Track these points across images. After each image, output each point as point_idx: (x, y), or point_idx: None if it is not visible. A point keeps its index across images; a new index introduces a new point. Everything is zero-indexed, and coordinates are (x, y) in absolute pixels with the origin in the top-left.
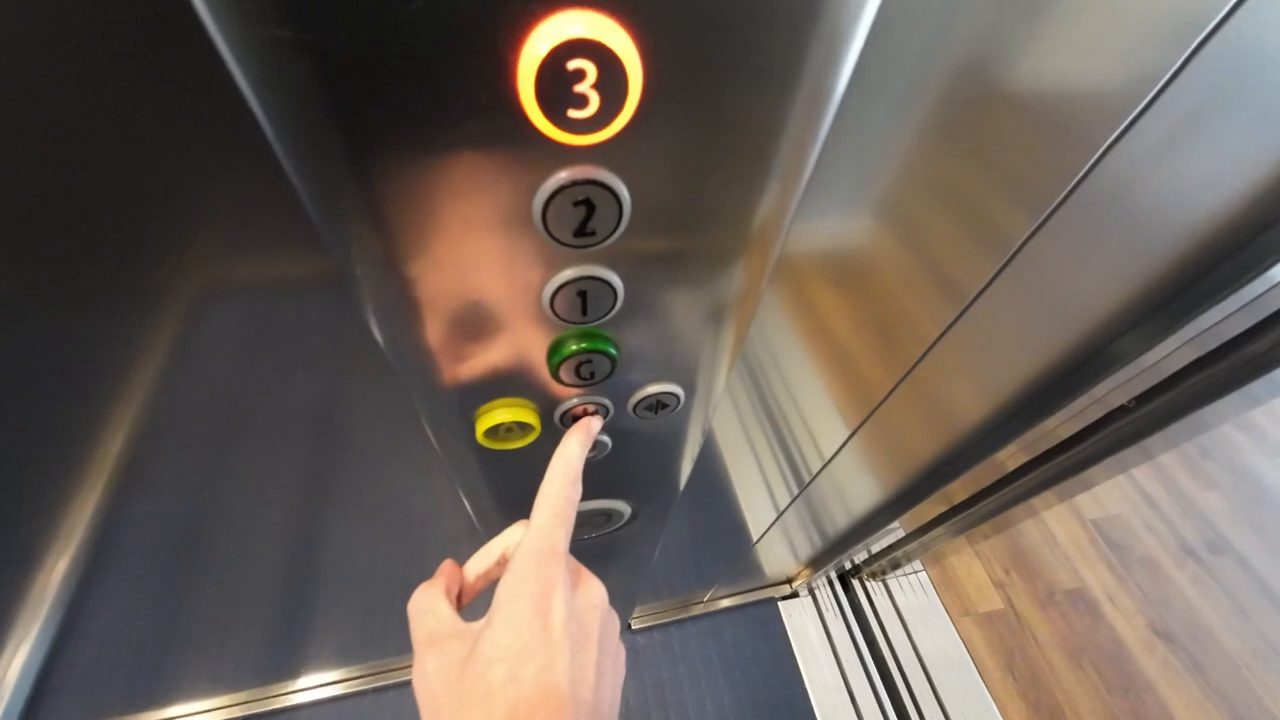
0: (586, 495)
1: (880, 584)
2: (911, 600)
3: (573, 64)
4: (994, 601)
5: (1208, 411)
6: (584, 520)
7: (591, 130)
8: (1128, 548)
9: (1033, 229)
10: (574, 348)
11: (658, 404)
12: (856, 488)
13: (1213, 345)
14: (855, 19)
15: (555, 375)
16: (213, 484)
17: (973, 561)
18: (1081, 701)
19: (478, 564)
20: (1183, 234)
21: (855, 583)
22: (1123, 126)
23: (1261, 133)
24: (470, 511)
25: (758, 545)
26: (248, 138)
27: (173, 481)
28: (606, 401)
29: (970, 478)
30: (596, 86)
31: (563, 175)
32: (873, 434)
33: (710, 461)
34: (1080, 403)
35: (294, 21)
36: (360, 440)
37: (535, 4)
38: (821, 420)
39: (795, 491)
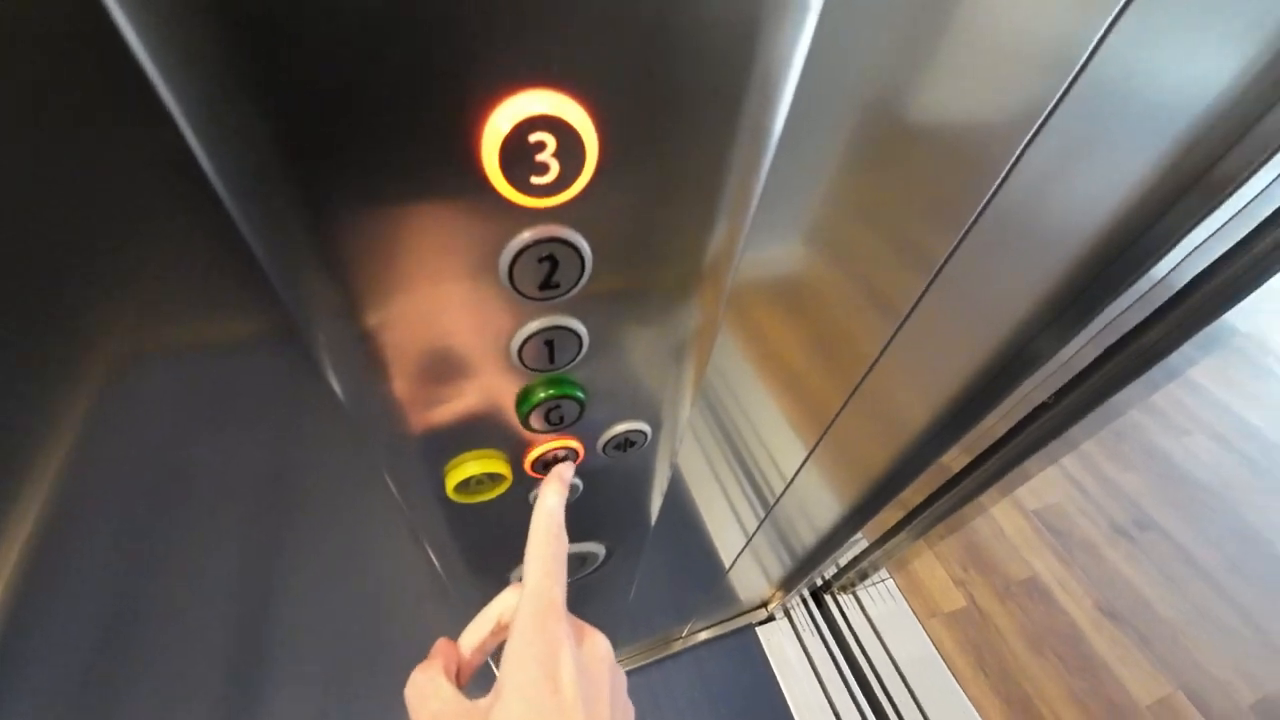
0: None
1: (851, 596)
2: (882, 608)
3: (533, 137)
4: (957, 600)
5: (1117, 399)
6: None
7: (552, 193)
8: (1067, 533)
9: (953, 247)
10: (543, 395)
11: (626, 442)
12: (819, 504)
13: (1113, 339)
14: (786, 70)
15: (525, 423)
16: (146, 559)
17: (934, 563)
18: (1048, 688)
19: (473, 636)
20: (1077, 241)
21: (828, 598)
22: (1019, 150)
23: (1131, 149)
24: (439, 569)
25: (731, 572)
26: (198, 192)
27: (98, 557)
28: (576, 445)
29: (921, 482)
30: (556, 155)
31: (526, 235)
32: (829, 451)
33: (678, 494)
34: (1009, 402)
35: (256, 95)
36: (318, 503)
37: (497, 85)
38: (780, 442)
39: (762, 515)
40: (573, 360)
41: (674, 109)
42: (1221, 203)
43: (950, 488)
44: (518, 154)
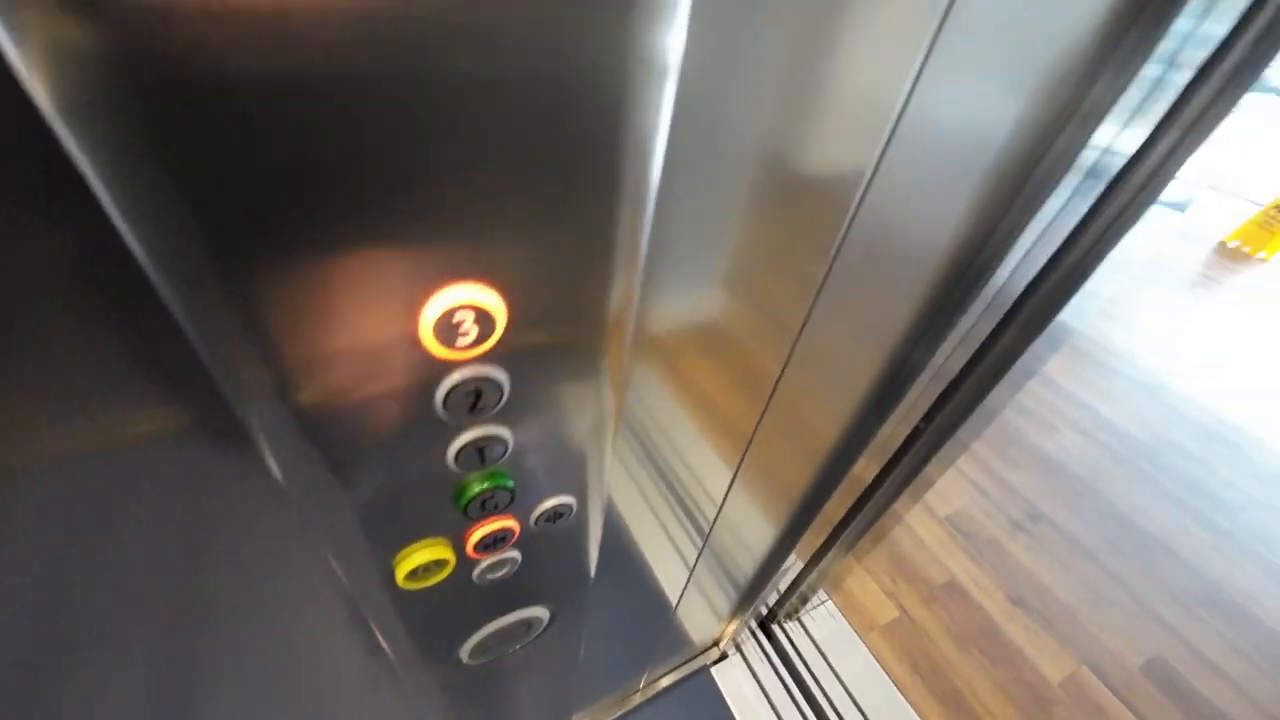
0: (503, 610)
1: (796, 622)
2: (825, 629)
3: (457, 316)
4: (890, 611)
5: (990, 400)
6: (506, 635)
7: (474, 347)
8: (974, 534)
9: (827, 268)
10: (478, 489)
11: (556, 514)
12: (751, 526)
13: (976, 345)
14: (650, 168)
15: (464, 513)
16: (59, 681)
17: (866, 579)
18: (975, 681)
19: None
20: (927, 259)
21: (775, 628)
22: (864, 183)
23: (952, 179)
24: (390, 652)
25: (679, 609)
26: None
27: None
28: (512, 523)
29: (840, 496)
30: (475, 323)
31: (455, 377)
32: (752, 470)
33: (618, 533)
34: (901, 409)
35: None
36: (266, 596)
37: (428, 285)
38: (706, 467)
39: (700, 544)
40: (501, 457)
41: (563, 269)
42: (1029, 220)
43: (867, 499)
44: (445, 327)
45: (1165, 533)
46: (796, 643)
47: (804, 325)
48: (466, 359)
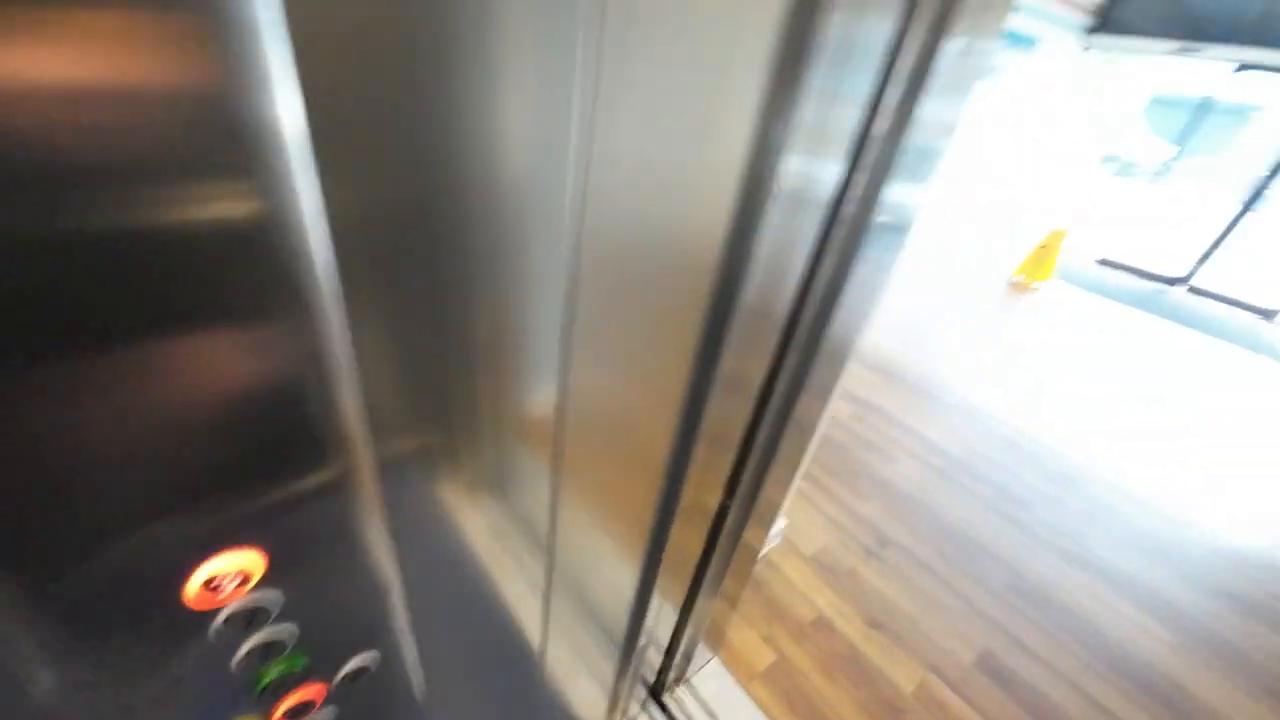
0: None
1: (686, 687)
2: (713, 687)
3: (216, 580)
4: (768, 656)
5: (797, 413)
6: None
7: (238, 592)
8: (834, 567)
9: (572, 271)
10: (270, 677)
11: (359, 673)
12: (599, 553)
13: (768, 361)
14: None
15: (263, 695)
16: None
17: (745, 628)
18: (842, 708)
19: None
20: (667, 273)
21: (667, 699)
22: (571, 195)
23: (654, 204)
24: None
25: (549, 661)
26: None
27: None
28: (316, 689)
29: (690, 526)
30: (237, 575)
31: (225, 613)
32: (573, 482)
33: (456, 601)
34: (709, 422)
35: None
36: None
37: (196, 560)
38: (527, 472)
39: (546, 560)
40: (285, 652)
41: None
42: (752, 242)
43: (717, 532)
44: (213, 586)
45: (983, 536)
46: (688, 709)
47: (570, 324)
48: (231, 600)
